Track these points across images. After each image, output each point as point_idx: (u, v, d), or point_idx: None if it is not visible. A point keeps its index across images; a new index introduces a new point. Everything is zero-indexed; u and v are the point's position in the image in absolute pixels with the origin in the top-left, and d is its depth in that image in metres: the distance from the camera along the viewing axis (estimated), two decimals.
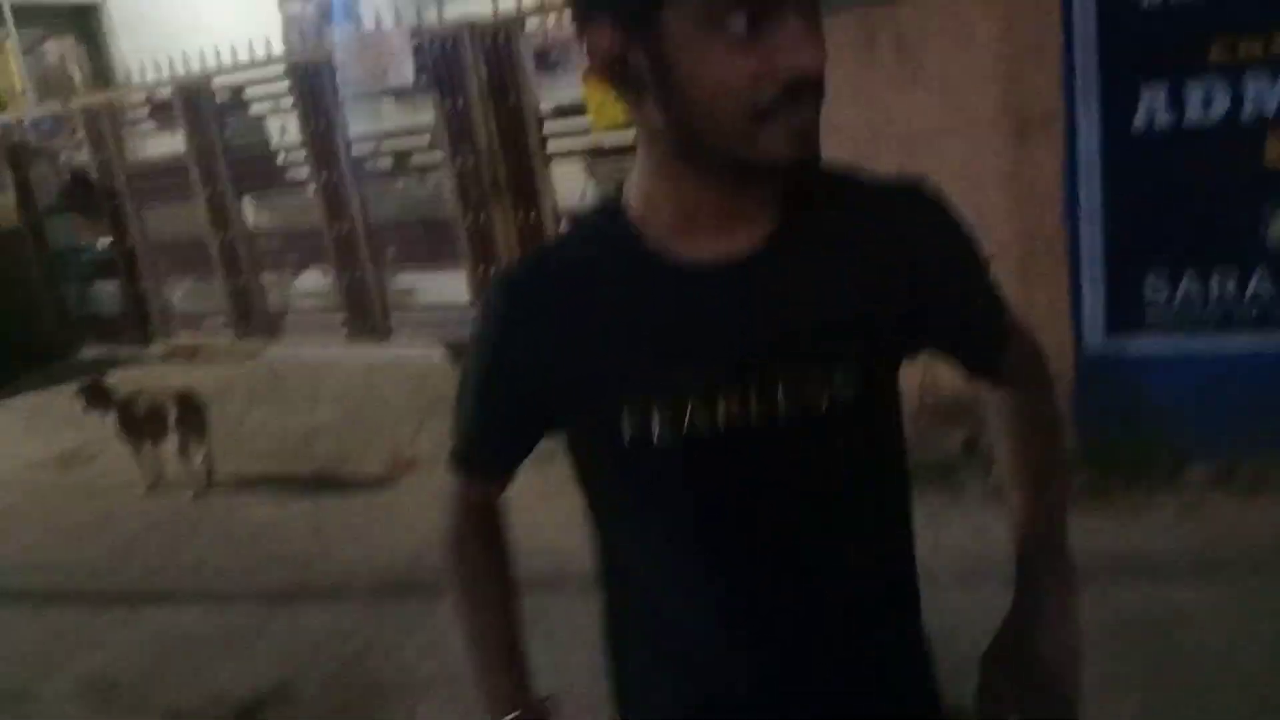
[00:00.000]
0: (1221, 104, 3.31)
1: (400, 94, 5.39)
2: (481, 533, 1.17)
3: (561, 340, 0.97)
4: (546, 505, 2.55)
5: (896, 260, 0.97)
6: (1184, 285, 3.50)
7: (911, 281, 0.97)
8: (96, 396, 4.88)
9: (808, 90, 0.84)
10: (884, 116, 3.75)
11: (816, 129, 0.87)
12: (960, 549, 3.22)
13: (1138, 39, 3.35)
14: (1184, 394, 3.57)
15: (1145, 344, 3.60)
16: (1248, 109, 3.27)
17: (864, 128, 3.77)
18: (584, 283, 0.97)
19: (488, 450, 1.12)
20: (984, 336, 1.09)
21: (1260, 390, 3.46)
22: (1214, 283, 3.45)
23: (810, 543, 0.97)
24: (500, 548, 1.18)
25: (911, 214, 0.99)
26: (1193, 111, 3.34)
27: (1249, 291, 3.42)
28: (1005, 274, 3.49)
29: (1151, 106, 3.38)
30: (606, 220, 0.98)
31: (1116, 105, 3.42)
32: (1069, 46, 3.43)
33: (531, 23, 4.87)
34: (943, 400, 3.61)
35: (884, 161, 3.67)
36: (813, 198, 0.95)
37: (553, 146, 5.03)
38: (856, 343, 0.94)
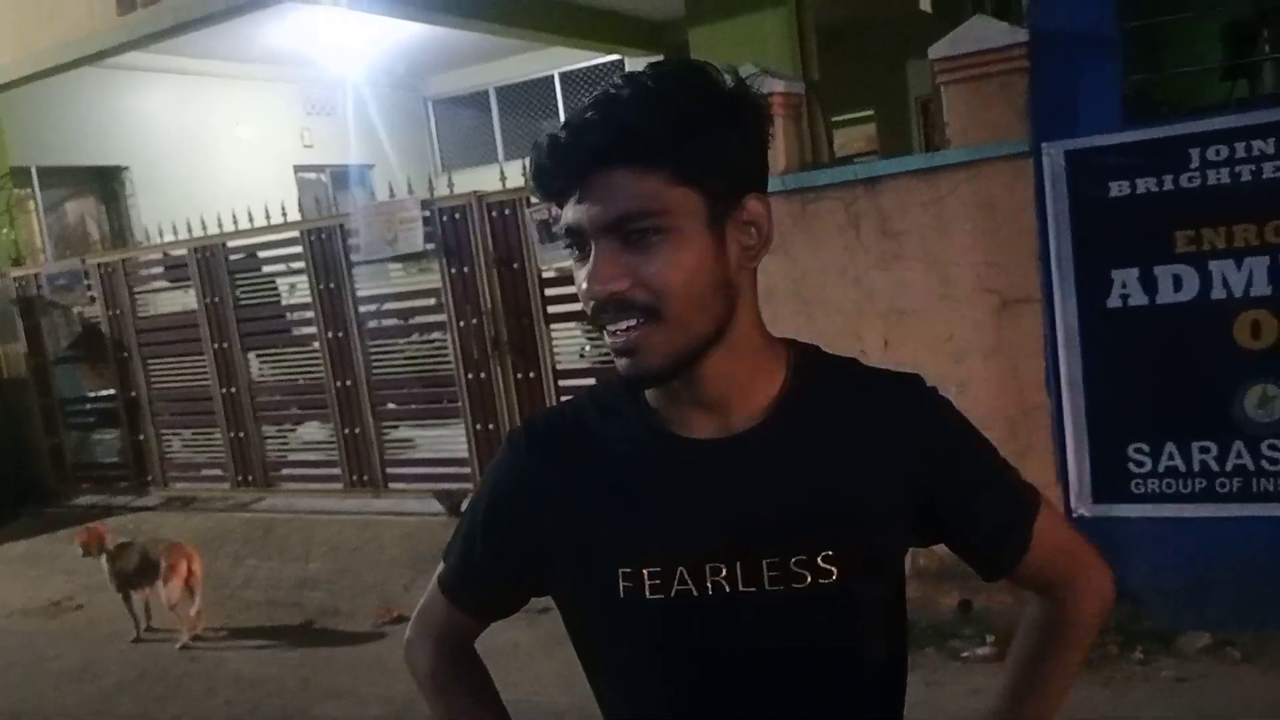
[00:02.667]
0: (1190, 286, 3.51)
1: (409, 258, 5.63)
2: (463, 672, 1.19)
3: (567, 495, 1.05)
4: (547, 657, 2.56)
5: (891, 453, 1.02)
6: (1166, 456, 3.61)
7: (908, 476, 1.02)
8: (93, 541, 4.89)
9: (608, 312, 0.94)
10: (868, 293, 3.95)
11: (631, 351, 0.94)
12: (957, 710, 3.22)
13: (1109, 225, 3.58)
14: (1173, 563, 3.63)
15: (1131, 512, 3.68)
16: (1215, 291, 3.47)
17: (851, 304, 3.96)
18: (591, 445, 1.05)
19: (475, 583, 1.14)
20: (995, 539, 1.09)
21: (1246, 561, 3.52)
22: (1194, 454, 3.57)
23: (788, 705, 1.02)
24: (484, 685, 1.20)
25: (909, 409, 1.04)
26: (1164, 293, 3.54)
27: (1228, 464, 3.53)
28: (995, 443, 3.61)
29: (1124, 288, 3.59)
30: (619, 391, 1.05)
31: (1091, 285, 3.63)
32: (1043, 230, 3.66)
33: (535, 197, 5.14)
34: (937, 563, 3.66)
35: (870, 336, 3.88)
36: (817, 381, 1.03)
37: (553, 309, 5.23)
38: (842, 530, 0.99)
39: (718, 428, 1.01)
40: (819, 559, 0.98)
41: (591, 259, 0.93)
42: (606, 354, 1.12)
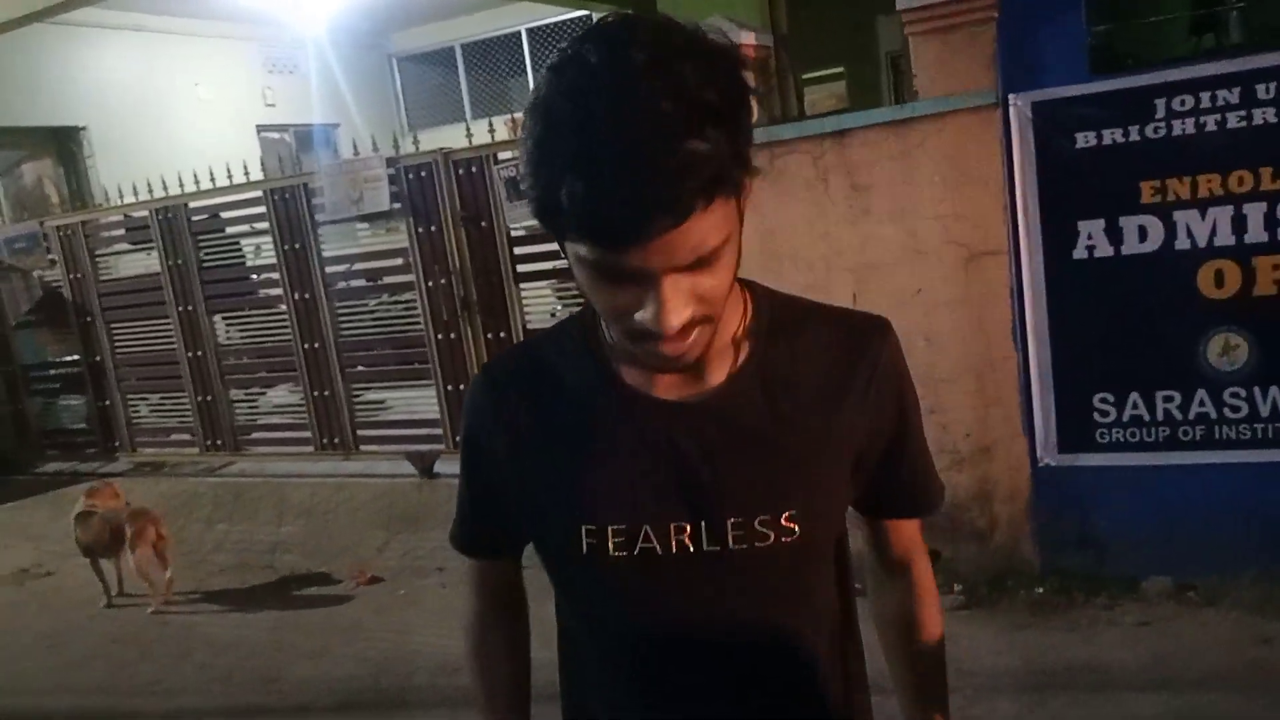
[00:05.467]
0: (1155, 237, 3.53)
1: (375, 218, 5.56)
2: (494, 614, 1.22)
3: (526, 444, 1.05)
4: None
5: (850, 394, 1.03)
6: (1130, 406, 3.66)
7: (860, 414, 1.03)
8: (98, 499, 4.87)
9: (653, 338, 0.88)
10: (836, 248, 3.95)
11: (688, 354, 0.91)
12: None
13: (1075, 176, 3.59)
14: (1136, 511, 3.69)
15: (1096, 461, 3.74)
16: (1180, 242, 3.50)
17: (819, 259, 3.96)
18: (558, 396, 1.04)
19: (474, 528, 1.18)
20: (917, 481, 1.13)
21: (1208, 508, 3.59)
22: (1158, 403, 3.62)
23: (751, 660, 1.03)
24: (512, 632, 1.23)
25: (875, 356, 1.05)
26: (1129, 244, 3.56)
27: (1191, 412, 3.58)
28: (961, 395, 3.64)
29: (1090, 239, 3.61)
30: (580, 337, 1.05)
31: (1057, 237, 3.64)
32: (1010, 182, 3.67)
33: (503, 153, 5.10)
34: None
35: (839, 289, 3.88)
36: (780, 331, 1.03)
37: (522, 269, 5.20)
38: (805, 488, 1.00)
39: (685, 387, 1.00)
40: (783, 518, 0.98)
41: (658, 293, 0.84)
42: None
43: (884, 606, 1.23)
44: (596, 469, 1.01)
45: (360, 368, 5.92)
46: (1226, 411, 3.52)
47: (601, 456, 1.01)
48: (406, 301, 5.64)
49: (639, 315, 0.86)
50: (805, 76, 10.24)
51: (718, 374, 1.01)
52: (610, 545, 0.99)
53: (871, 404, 1.04)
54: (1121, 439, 3.67)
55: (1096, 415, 3.69)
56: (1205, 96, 3.42)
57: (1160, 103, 3.47)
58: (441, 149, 5.28)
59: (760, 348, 1.02)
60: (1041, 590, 3.74)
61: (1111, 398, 3.67)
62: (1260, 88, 3.35)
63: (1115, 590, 3.67)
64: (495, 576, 1.22)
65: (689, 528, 0.98)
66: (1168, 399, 3.60)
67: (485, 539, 1.18)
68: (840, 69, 10.76)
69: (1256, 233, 3.41)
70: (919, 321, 3.82)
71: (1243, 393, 3.49)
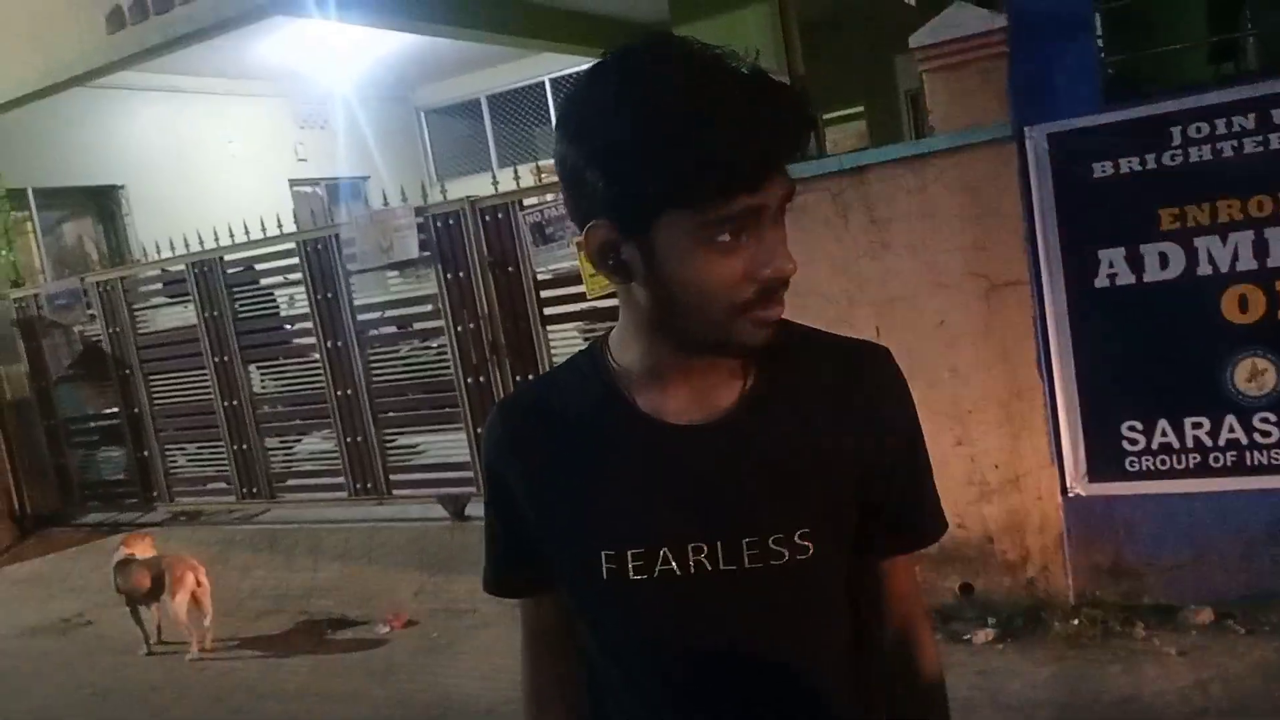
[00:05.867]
0: (1177, 264, 3.54)
1: (404, 266, 5.66)
2: (541, 659, 1.20)
3: (543, 472, 1.08)
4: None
5: (860, 422, 1.05)
6: (1159, 433, 3.64)
7: (865, 438, 1.05)
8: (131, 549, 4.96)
9: (780, 289, 0.96)
10: (859, 282, 3.98)
11: (774, 320, 0.98)
12: (966, 694, 3.25)
13: (1094, 205, 3.61)
14: (1170, 539, 3.66)
15: (1127, 490, 3.71)
16: (1202, 268, 3.50)
17: (841, 293, 4.00)
18: (573, 424, 1.08)
19: (503, 566, 1.17)
20: (915, 513, 1.11)
21: (1242, 534, 3.55)
22: (1187, 430, 3.60)
23: (769, 679, 1.05)
24: (559, 675, 1.19)
25: (876, 380, 1.08)
26: (1150, 271, 3.56)
27: (1221, 438, 3.56)
28: (988, 426, 3.64)
29: (1111, 267, 3.62)
30: (592, 369, 1.08)
31: (1078, 266, 3.66)
32: (1029, 213, 3.69)
33: (529, 199, 5.20)
34: (937, 547, 3.68)
35: (862, 323, 3.91)
36: (784, 355, 1.06)
37: (549, 311, 5.27)
38: (817, 507, 1.02)
39: (696, 410, 1.03)
40: (796, 536, 1.01)
41: (768, 239, 0.94)
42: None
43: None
44: (613, 493, 1.04)
45: (392, 413, 5.99)
46: (1256, 437, 3.50)
47: (618, 481, 1.04)
48: (437, 347, 5.73)
49: (761, 270, 0.93)
50: (826, 116, 10.35)
51: (727, 396, 1.04)
52: (630, 569, 1.02)
53: (872, 430, 1.06)
54: (1151, 467, 3.65)
55: (1125, 444, 3.68)
56: (1220, 123, 3.44)
57: (1176, 130, 3.49)
58: (468, 197, 5.39)
59: (767, 370, 1.05)
60: (1076, 622, 3.70)
61: (1140, 425, 3.65)
62: (1276, 113, 3.37)
63: (1152, 620, 3.63)
64: (537, 618, 1.19)
65: (706, 548, 1.01)
66: (1196, 425, 3.58)
67: (515, 576, 1.17)
68: (860, 108, 10.89)
69: (1279, 257, 3.41)
70: (943, 353, 3.84)
71: (1272, 417, 3.47)
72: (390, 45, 9.40)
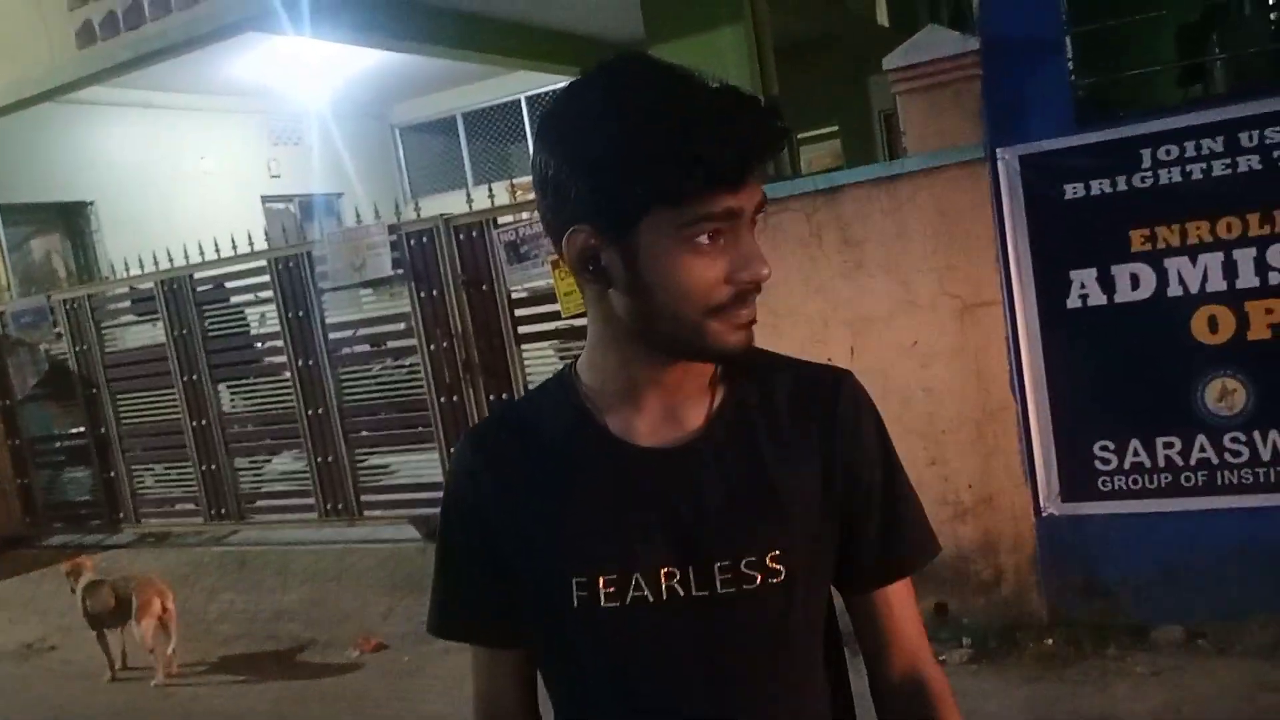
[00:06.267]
0: (1148, 284, 3.57)
1: (377, 284, 5.62)
2: None
3: (513, 500, 1.06)
4: None
5: (827, 444, 1.05)
6: (1131, 453, 3.66)
7: (837, 463, 1.05)
8: (75, 572, 4.84)
9: (754, 292, 0.98)
10: (833, 302, 3.99)
11: (754, 322, 1.01)
12: None
13: (1065, 226, 3.64)
14: (1142, 558, 3.68)
15: (1100, 510, 3.73)
16: (1172, 288, 3.53)
17: (816, 313, 4.00)
18: (543, 449, 1.06)
19: (461, 601, 1.12)
20: (895, 539, 1.09)
21: (1214, 553, 3.57)
22: (1159, 450, 3.62)
23: (740, 702, 1.03)
24: None
25: (841, 402, 1.07)
26: (1121, 292, 3.60)
27: (1193, 458, 3.58)
28: (961, 445, 3.64)
29: (1083, 288, 3.64)
30: (562, 394, 1.07)
31: (1050, 287, 3.68)
32: (1001, 233, 3.71)
33: (503, 217, 5.17)
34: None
35: (836, 343, 3.92)
36: (750, 378, 1.06)
37: (524, 330, 5.24)
38: (788, 529, 1.02)
39: (665, 432, 1.03)
40: (768, 559, 1.00)
41: (744, 242, 0.96)
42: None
43: None
44: (585, 518, 1.02)
45: (364, 433, 5.93)
46: (1227, 456, 3.52)
47: (589, 506, 1.03)
48: (409, 366, 5.68)
49: (738, 274, 0.95)
50: (801, 136, 10.40)
51: (695, 418, 1.04)
52: (602, 595, 1.01)
53: (842, 454, 1.05)
54: (1124, 486, 3.67)
55: (1098, 463, 3.69)
56: (1190, 145, 3.48)
57: (1146, 152, 3.53)
58: (442, 215, 5.36)
59: (733, 392, 1.05)
60: (1050, 641, 3.71)
61: (1112, 445, 3.67)
62: (1244, 135, 3.41)
63: (1125, 639, 3.63)
64: (490, 685, 1.13)
65: (678, 573, 1.00)
66: (1168, 445, 3.60)
67: (469, 613, 1.11)
68: (835, 128, 10.96)
69: (1248, 278, 3.45)
70: (916, 373, 3.85)
71: (1242, 437, 3.50)
72: (365, 62, 9.36)
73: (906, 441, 3.50)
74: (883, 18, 10.43)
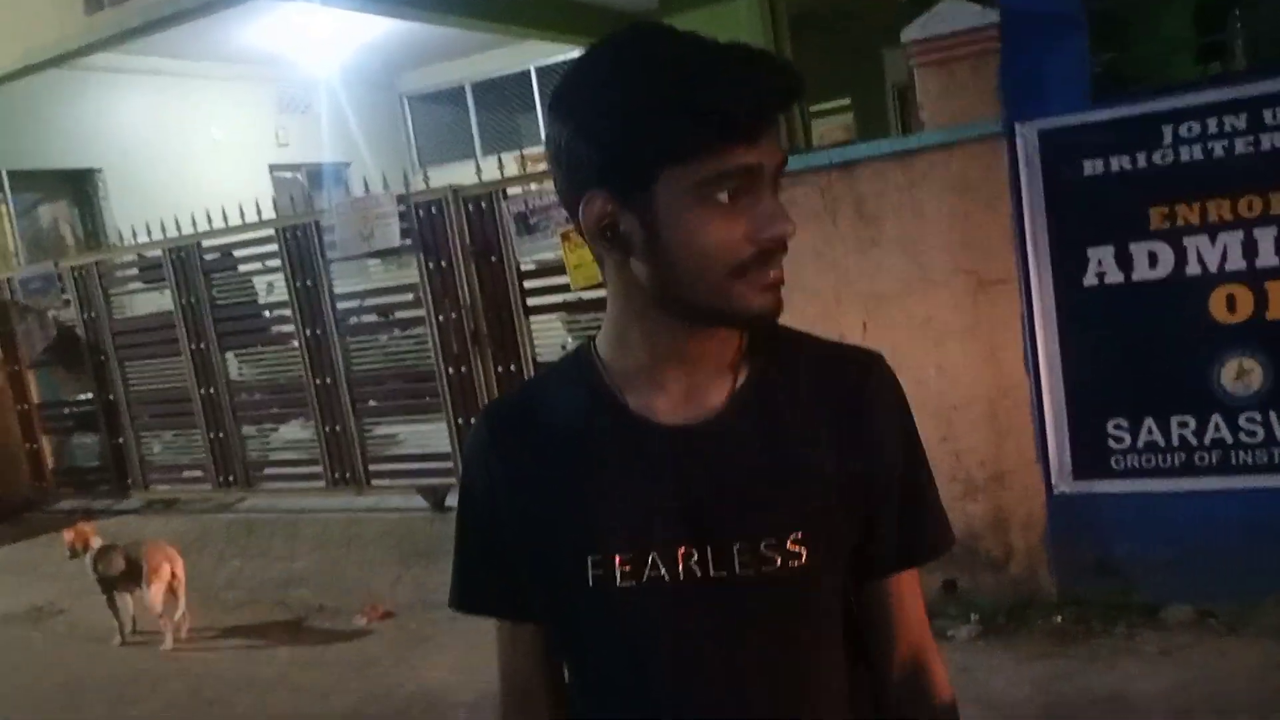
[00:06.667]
0: (1166, 263, 3.53)
1: (386, 254, 5.60)
2: (517, 696, 1.14)
3: (528, 479, 1.04)
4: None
5: (852, 428, 1.03)
6: (1145, 432, 3.64)
7: (868, 452, 1.03)
8: (80, 540, 4.85)
9: (779, 251, 0.95)
10: (846, 278, 3.95)
11: (782, 283, 0.98)
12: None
13: (1083, 204, 3.60)
14: (1154, 537, 3.66)
15: (1112, 488, 3.71)
16: (1191, 267, 3.50)
17: (829, 289, 3.97)
18: (560, 427, 1.04)
19: (475, 578, 1.12)
20: (917, 528, 1.08)
21: (1226, 533, 3.55)
22: (1173, 429, 3.60)
23: (760, 687, 1.01)
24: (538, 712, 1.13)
25: (869, 386, 1.05)
26: (1139, 270, 3.56)
27: (1207, 437, 3.56)
28: (973, 423, 3.63)
29: (1100, 266, 3.61)
30: (580, 371, 1.05)
31: (1067, 265, 3.64)
32: (1018, 210, 3.68)
33: (513, 189, 5.14)
34: None
35: (849, 319, 3.89)
36: (775, 357, 1.04)
37: (532, 302, 5.22)
38: (809, 511, 0.99)
39: (687, 411, 1.01)
40: (788, 541, 0.98)
41: (766, 201, 0.94)
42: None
43: None
44: (601, 497, 1.01)
45: (372, 402, 5.93)
46: (1242, 436, 3.50)
47: (606, 485, 1.01)
48: (417, 336, 5.67)
49: (760, 232, 0.93)
50: (815, 108, 10.33)
51: (717, 396, 1.01)
52: (618, 575, 0.99)
53: (868, 439, 1.03)
54: (1137, 465, 3.65)
55: (1111, 442, 3.68)
56: (1212, 122, 3.44)
57: (1167, 129, 3.49)
58: (451, 185, 5.33)
59: (757, 371, 1.03)
60: (1060, 619, 3.70)
61: (1126, 424, 3.65)
62: (1267, 113, 3.37)
63: (1135, 618, 3.63)
64: (514, 664, 1.13)
65: (696, 553, 0.98)
66: (1182, 424, 3.58)
67: (488, 588, 1.11)
68: (848, 101, 10.87)
69: (1268, 257, 3.41)
70: (930, 350, 3.82)
71: (1258, 417, 3.47)
72: (374, 30, 9.30)
73: (918, 419, 3.41)
74: None
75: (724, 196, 0.91)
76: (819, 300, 3.97)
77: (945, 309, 3.81)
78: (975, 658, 3.55)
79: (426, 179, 5.65)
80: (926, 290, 3.84)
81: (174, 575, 4.74)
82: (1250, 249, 3.42)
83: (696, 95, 0.88)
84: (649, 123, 0.89)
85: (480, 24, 8.15)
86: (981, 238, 3.74)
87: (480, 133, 12.30)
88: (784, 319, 1.07)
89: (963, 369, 3.81)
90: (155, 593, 4.67)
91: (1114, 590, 3.71)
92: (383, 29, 9.17)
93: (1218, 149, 3.43)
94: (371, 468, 5.89)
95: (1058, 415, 3.73)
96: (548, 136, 0.97)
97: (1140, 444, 3.64)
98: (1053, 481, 3.77)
